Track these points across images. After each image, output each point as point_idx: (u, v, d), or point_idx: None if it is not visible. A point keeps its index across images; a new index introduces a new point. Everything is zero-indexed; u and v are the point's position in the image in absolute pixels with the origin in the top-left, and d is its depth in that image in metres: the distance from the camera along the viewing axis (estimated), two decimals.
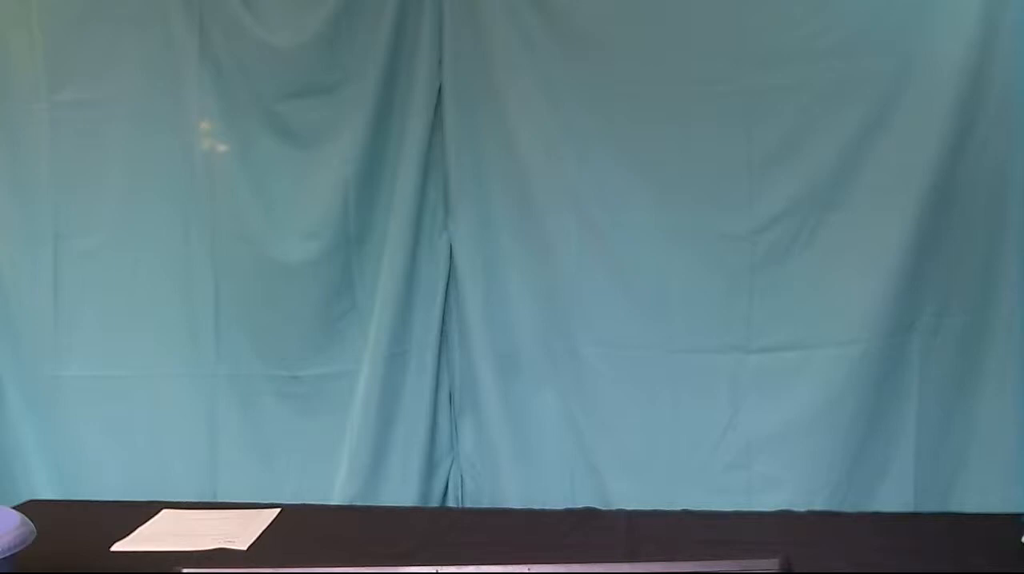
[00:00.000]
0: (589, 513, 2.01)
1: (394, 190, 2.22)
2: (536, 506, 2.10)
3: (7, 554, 1.44)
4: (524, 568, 1.59)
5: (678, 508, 1.98)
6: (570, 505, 2.09)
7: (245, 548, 1.83)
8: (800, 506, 2.00)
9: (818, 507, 2.01)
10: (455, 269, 2.24)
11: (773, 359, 2.08)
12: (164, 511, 2.05)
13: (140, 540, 1.89)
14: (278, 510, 2.03)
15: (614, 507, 2.07)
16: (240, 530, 1.91)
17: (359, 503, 2.20)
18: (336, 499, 2.23)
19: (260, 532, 1.91)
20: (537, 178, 2.16)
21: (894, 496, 2.04)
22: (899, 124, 1.98)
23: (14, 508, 1.61)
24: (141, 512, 2.03)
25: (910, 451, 2.04)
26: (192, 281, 2.28)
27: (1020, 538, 1.69)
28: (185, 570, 1.66)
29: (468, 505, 2.27)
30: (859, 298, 2.02)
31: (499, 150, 2.18)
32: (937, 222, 1.98)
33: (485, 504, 2.24)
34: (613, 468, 2.16)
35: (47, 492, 2.32)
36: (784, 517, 1.95)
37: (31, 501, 2.19)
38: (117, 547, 1.85)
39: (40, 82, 2.28)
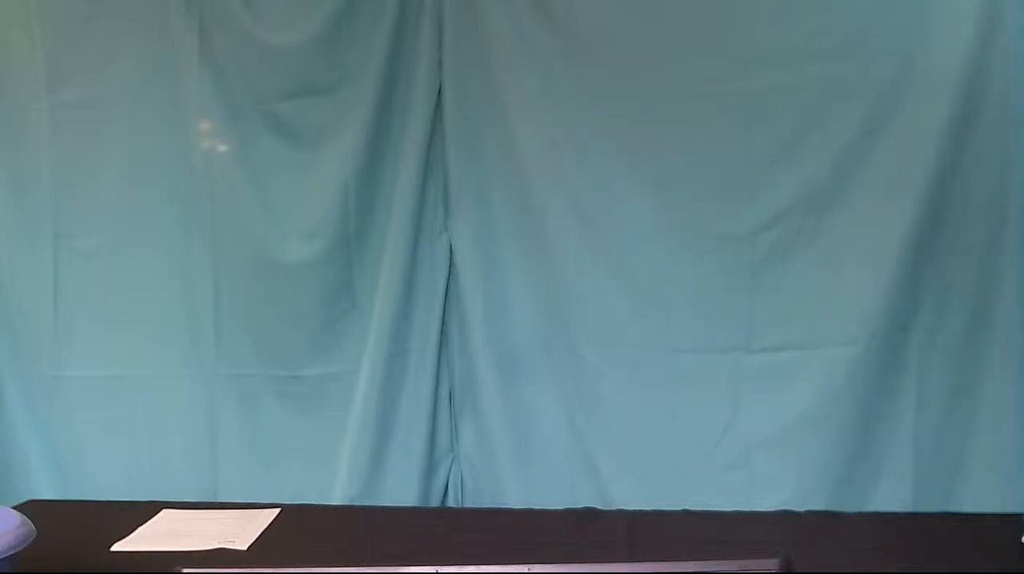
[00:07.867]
0: (589, 513, 2.00)
1: (394, 190, 2.22)
2: (536, 506, 2.09)
3: (7, 554, 1.43)
4: (524, 568, 1.59)
5: (678, 508, 1.98)
6: (570, 505, 2.08)
7: (245, 548, 1.82)
8: (800, 506, 1.99)
9: (818, 507, 2.00)
10: (455, 269, 2.24)
11: (773, 359, 2.08)
12: (164, 511, 2.05)
13: (140, 540, 1.88)
14: (278, 510, 2.02)
15: (614, 507, 2.07)
16: (240, 530, 1.91)
17: (359, 503, 2.20)
18: (336, 499, 2.23)
19: (260, 532, 1.91)
20: (537, 178, 2.16)
21: (893, 496, 2.04)
22: (899, 124, 1.98)
23: (14, 508, 1.60)
24: (141, 512, 2.02)
25: (909, 451, 2.04)
26: (192, 281, 2.28)
27: (1020, 538, 1.69)
28: (185, 570, 1.65)
29: (468, 505, 2.27)
30: (859, 298, 2.02)
31: (499, 150, 2.18)
32: (937, 222, 1.98)
33: (485, 504, 2.24)
34: (613, 468, 2.16)
35: (47, 492, 2.32)
36: (784, 517, 1.94)
37: (31, 501, 2.18)
38: (117, 547, 1.84)
39: (40, 82, 2.28)
